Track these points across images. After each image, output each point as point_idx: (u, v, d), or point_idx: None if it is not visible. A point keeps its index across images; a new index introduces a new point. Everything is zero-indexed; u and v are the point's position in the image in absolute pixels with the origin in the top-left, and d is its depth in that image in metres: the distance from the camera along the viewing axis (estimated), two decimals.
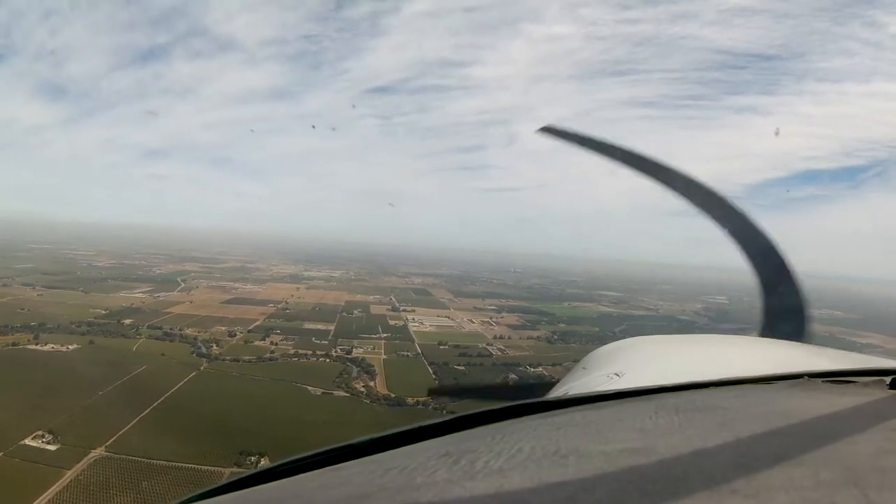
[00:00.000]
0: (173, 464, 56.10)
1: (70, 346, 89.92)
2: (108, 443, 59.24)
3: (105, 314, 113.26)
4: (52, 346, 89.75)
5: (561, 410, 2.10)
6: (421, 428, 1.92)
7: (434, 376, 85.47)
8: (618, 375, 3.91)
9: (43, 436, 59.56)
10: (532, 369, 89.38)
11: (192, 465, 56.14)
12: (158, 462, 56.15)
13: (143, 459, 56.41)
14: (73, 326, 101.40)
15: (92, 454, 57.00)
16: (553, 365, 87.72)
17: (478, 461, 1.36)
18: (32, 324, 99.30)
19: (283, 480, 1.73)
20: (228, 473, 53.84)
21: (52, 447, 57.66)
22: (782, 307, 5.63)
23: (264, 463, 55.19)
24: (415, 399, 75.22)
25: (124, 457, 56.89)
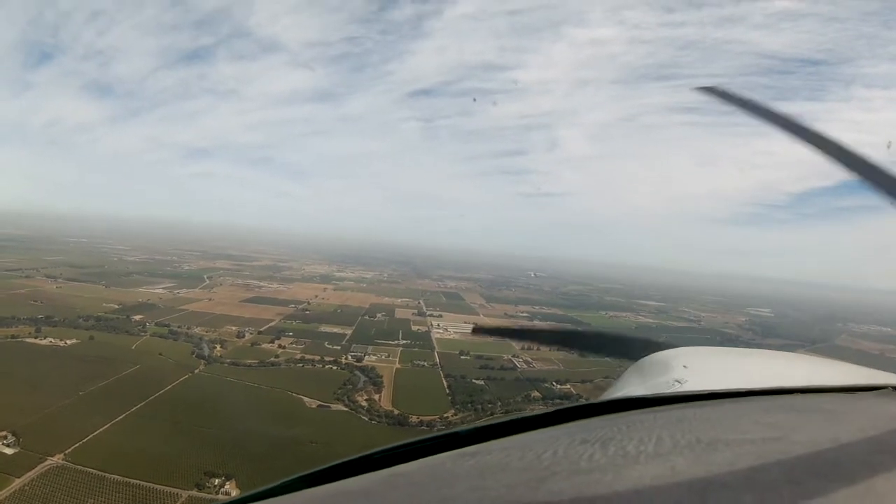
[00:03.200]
0: (129, 480, 50.38)
1: (69, 341, 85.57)
2: (70, 450, 54.43)
3: (117, 309, 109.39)
4: (50, 340, 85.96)
5: (662, 407, 2.09)
6: (492, 426, 1.92)
7: (448, 392, 76.83)
8: (679, 382, 3.78)
9: (5, 437, 55.27)
10: (559, 386, 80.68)
11: (149, 484, 50.16)
12: (113, 477, 50.61)
13: (98, 472, 51.11)
14: (80, 321, 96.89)
15: (48, 462, 52.24)
16: (582, 382, 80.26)
17: (627, 446, 1.37)
18: (39, 316, 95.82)
19: (424, 460, 1.68)
20: (185, 497, 49.20)
21: (9, 450, 53.39)
22: None
23: (229, 488, 50.63)
24: (419, 418, 67.22)
25: (80, 468, 51.84)
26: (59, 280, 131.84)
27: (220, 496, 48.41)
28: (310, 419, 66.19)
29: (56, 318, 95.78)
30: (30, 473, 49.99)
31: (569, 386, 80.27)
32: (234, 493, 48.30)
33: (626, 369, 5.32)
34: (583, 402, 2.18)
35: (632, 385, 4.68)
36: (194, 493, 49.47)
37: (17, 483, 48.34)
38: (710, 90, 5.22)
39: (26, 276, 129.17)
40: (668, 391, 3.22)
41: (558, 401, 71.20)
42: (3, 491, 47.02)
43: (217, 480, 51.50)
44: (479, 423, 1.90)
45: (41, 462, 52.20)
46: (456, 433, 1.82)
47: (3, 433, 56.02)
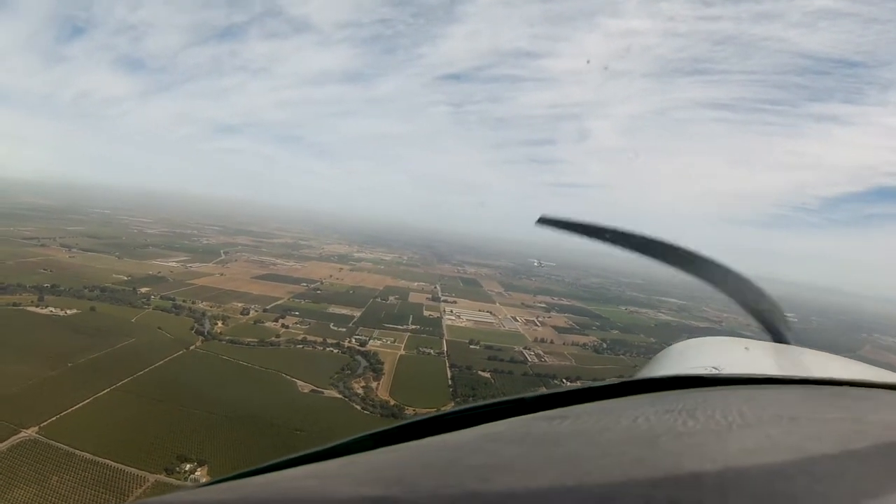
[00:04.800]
0: (99, 459, 48.14)
1: (69, 311, 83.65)
2: (45, 423, 52.57)
3: (125, 280, 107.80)
4: (51, 309, 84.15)
5: (722, 387, 2.06)
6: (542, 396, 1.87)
7: (450, 383, 73.19)
8: (716, 369, 3.59)
9: None
10: (568, 384, 74.98)
11: (117, 465, 47.76)
12: (83, 454, 48.55)
13: (69, 449, 49.12)
14: (86, 291, 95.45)
15: (21, 434, 50.37)
16: (594, 380, 75.13)
17: (715, 416, 1.37)
18: (45, 285, 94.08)
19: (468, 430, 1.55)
20: (153, 481, 46.72)
21: None
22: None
23: (199, 474, 48.14)
24: (414, 410, 63.44)
25: (52, 443, 49.85)
26: (74, 250, 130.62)
27: (187, 483, 45.75)
28: (299, 405, 62.95)
29: (62, 288, 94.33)
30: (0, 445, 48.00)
31: (579, 384, 74.61)
32: (206, 480, 46.06)
33: (656, 355, 4.97)
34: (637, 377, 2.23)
35: (666, 370, 4.26)
36: (161, 477, 46.92)
37: None
38: (546, 221, 4.81)
39: (42, 245, 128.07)
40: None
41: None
42: None
43: (189, 465, 48.95)
44: (538, 392, 1.83)
45: (14, 434, 50.28)
46: (522, 399, 1.80)
47: None
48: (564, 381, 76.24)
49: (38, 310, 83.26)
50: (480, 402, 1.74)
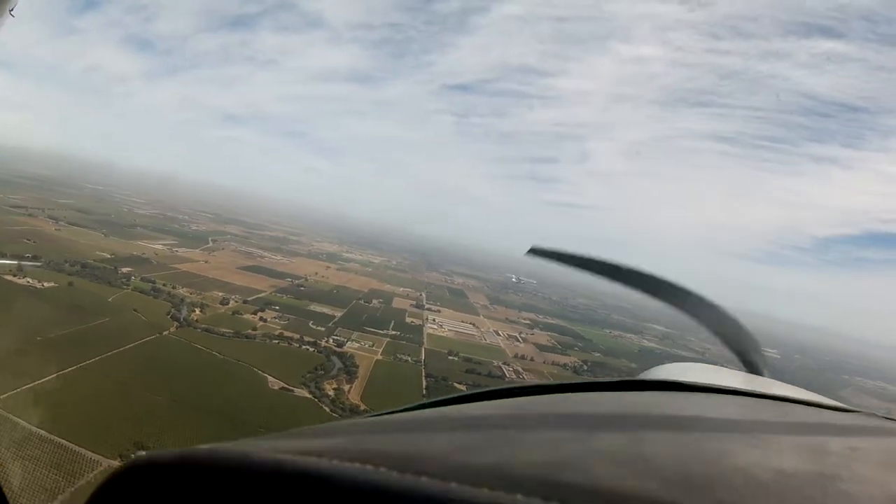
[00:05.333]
0: (54, 438, 45.94)
1: (46, 284, 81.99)
2: (2, 396, 49.15)
3: (108, 258, 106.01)
4: (28, 280, 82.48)
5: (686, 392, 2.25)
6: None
7: (423, 393, 71.59)
8: None
9: None
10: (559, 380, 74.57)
11: (72, 445, 45.60)
12: (39, 431, 45.72)
13: (24, 424, 45.53)
14: (66, 265, 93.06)
15: None
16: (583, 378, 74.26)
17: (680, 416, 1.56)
18: (26, 255, 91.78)
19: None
20: (105, 466, 43.82)
21: None
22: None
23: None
24: None
25: (9, 416, 45.00)
26: (61, 222, 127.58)
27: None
28: (267, 402, 61.70)
29: (42, 260, 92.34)
30: None
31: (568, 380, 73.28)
32: None
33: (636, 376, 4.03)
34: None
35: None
36: (115, 462, 42.85)
37: None
38: (536, 251, 5.31)
39: (29, 215, 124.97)
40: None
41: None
42: None
43: (144, 453, 46.79)
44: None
45: None
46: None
47: None
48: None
49: (14, 279, 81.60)
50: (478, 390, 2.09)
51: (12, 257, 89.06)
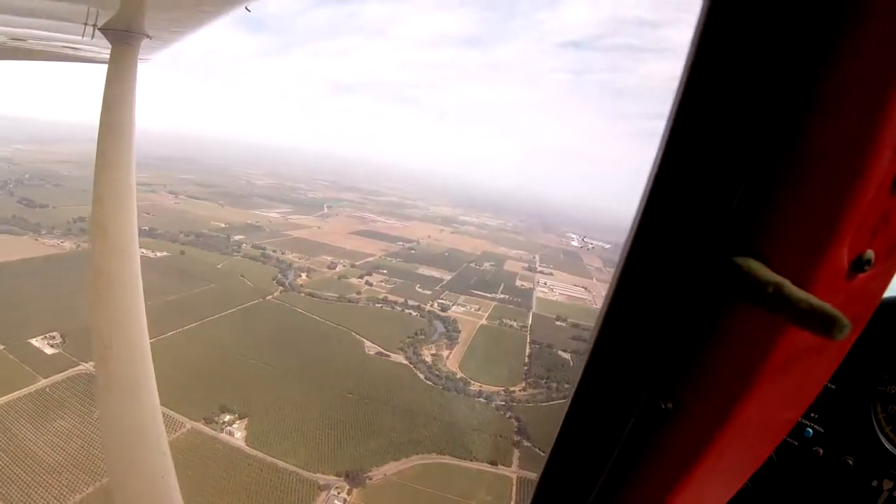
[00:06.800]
0: None
1: (159, 254, 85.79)
2: None
3: (222, 228, 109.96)
4: (143, 251, 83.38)
5: None
6: None
7: (526, 361, 68.83)
8: None
9: (54, 337, 56.07)
10: None
11: (162, 409, 45.79)
12: None
13: None
14: (182, 235, 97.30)
15: (80, 367, 51.31)
16: None
17: None
18: (144, 228, 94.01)
19: None
20: (189, 428, 47.05)
21: (51, 350, 54.25)
22: None
23: (237, 427, 48.44)
24: (480, 387, 60.46)
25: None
26: (181, 196, 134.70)
27: (222, 434, 45.49)
28: (360, 366, 61.03)
29: (159, 231, 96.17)
30: (57, 376, 49.85)
31: None
32: (241, 434, 47.10)
33: None
34: None
35: None
36: (199, 425, 46.71)
37: (41, 383, 48.40)
38: None
39: (151, 191, 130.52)
40: None
41: None
42: (24, 390, 46.66)
43: (228, 417, 48.42)
44: None
45: (73, 366, 51.60)
46: None
47: (53, 333, 56.40)
48: None
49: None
50: None
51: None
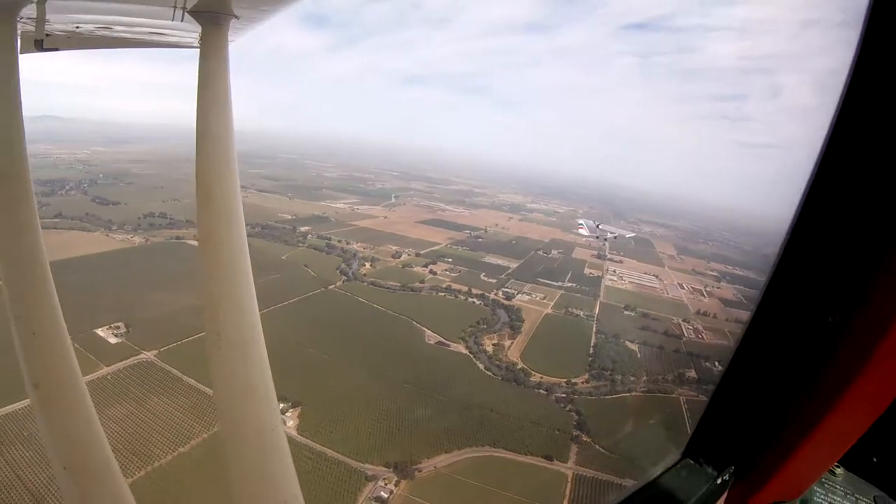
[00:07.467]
0: (201, 387, 49.55)
1: None
2: (165, 348, 55.51)
3: (289, 219, 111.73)
4: None
5: None
6: None
7: (590, 352, 66.85)
8: None
9: (118, 327, 57.52)
10: (722, 369, 66.12)
11: (211, 392, 46.99)
12: (188, 380, 50.78)
13: (178, 374, 51.58)
14: (248, 227, 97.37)
15: (141, 356, 53.77)
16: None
17: None
18: None
19: None
20: None
21: (114, 340, 55.70)
22: None
23: (289, 416, 49.15)
24: (540, 378, 58.95)
25: (165, 366, 52.94)
26: (250, 190, 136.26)
27: None
28: (419, 356, 60.61)
29: None
30: (118, 364, 51.10)
31: None
32: (293, 423, 47.64)
33: None
34: None
35: None
36: None
37: (102, 371, 49.74)
38: None
39: None
40: None
41: (711, 386, 60.08)
42: (86, 377, 46.31)
43: (282, 405, 47.78)
44: None
45: (135, 355, 53.32)
46: None
47: (118, 323, 57.92)
48: (717, 363, 67.25)
49: (194, 243, 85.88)
50: None
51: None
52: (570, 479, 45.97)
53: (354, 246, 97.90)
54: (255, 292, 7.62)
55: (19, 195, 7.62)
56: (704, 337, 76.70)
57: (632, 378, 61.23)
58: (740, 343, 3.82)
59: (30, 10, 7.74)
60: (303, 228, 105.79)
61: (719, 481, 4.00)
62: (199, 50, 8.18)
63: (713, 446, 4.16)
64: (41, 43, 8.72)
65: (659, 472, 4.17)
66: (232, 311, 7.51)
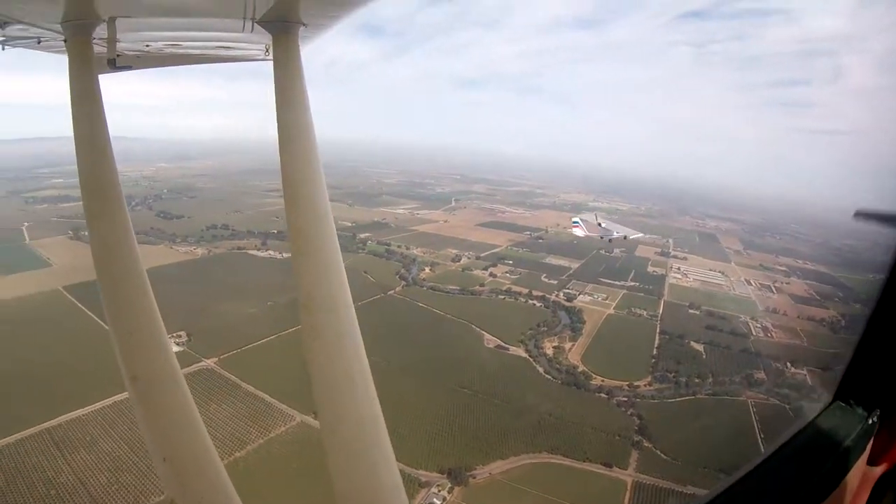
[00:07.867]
0: (258, 393, 52.20)
1: (286, 255, 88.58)
2: (225, 356, 57.80)
3: (349, 227, 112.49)
4: (270, 252, 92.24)
5: None
6: None
7: (654, 353, 65.71)
8: None
9: (179, 336, 59.52)
10: (793, 369, 64.49)
11: (272, 400, 51.41)
12: (247, 387, 53.00)
13: (237, 380, 54.01)
14: None
15: (202, 363, 56.05)
16: (825, 370, 63.61)
17: None
18: (273, 231, 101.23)
19: None
20: (298, 421, 49.36)
21: (177, 349, 53.22)
22: None
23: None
24: (601, 381, 58.19)
25: (224, 373, 55.08)
26: None
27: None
28: (478, 361, 60.56)
29: (285, 234, 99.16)
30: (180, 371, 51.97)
31: (805, 372, 63.12)
32: None
33: None
34: None
35: None
36: (308, 418, 47.76)
37: None
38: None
39: (281, 196, 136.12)
40: None
41: (785, 390, 57.99)
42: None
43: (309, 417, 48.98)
44: None
45: (196, 363, 55.54)
46: None
47: (180, 332, 59.99)
48: (788, 364, 65.25)
49: (258, 253, 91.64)
50: None
51: (260, 235, 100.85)
52: (629, 487, 45.24)
53: (414, 251, 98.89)
54: (348, 286, 7.64)
55: (113, 204, 7.76)
56: (774, 335, 74.07)
57: (696, 380, 59.71)
58: (885, 284, 3.69)
59: (102, 31, 7.91)
60: (362, 235, 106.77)
61: (870, 422, 3.93)
62: (269, 62, 8.24)
63: (864, 388, 4.09)
64: (114, 62, 8.85)
65: (811, 417, 4.16)
66: (326, 304, 7.50)
